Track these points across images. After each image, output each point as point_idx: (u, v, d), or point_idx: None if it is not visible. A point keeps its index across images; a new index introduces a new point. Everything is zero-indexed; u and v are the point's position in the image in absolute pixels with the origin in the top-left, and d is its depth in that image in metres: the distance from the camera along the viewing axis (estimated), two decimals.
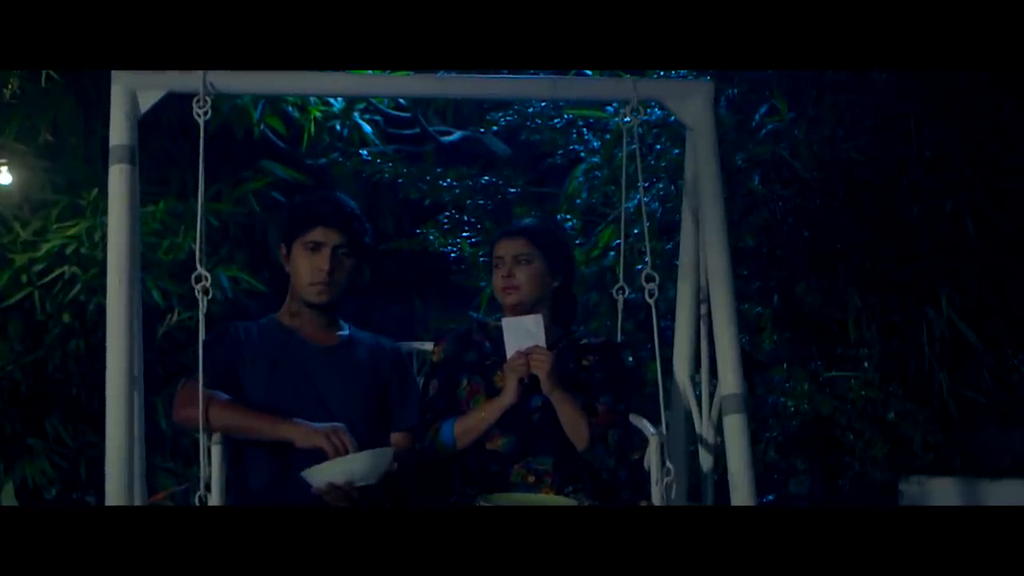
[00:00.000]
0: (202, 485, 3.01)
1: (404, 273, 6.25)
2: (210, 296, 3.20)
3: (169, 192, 5.60)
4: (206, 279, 3.11)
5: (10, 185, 5.53)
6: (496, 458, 3.30)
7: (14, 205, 5.59)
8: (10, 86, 5.28)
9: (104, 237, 5.19)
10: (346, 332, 3.41)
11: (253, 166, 5.84)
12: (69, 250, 5.34)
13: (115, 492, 2.89)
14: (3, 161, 5.48)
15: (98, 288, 5.18)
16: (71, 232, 5.37)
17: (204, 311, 3.16)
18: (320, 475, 3.01)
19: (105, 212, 5.25)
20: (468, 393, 3.37)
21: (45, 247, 5.41)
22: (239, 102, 5.47)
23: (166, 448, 5.41)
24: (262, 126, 5.60)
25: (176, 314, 5.35)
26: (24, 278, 5.41)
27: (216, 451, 3.09)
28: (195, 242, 5.28)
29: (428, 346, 3.53)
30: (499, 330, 3.32)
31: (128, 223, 3.09)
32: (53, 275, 5.35)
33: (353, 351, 3.37)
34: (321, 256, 3.26)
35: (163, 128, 5.46)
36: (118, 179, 3.09)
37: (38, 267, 5.39)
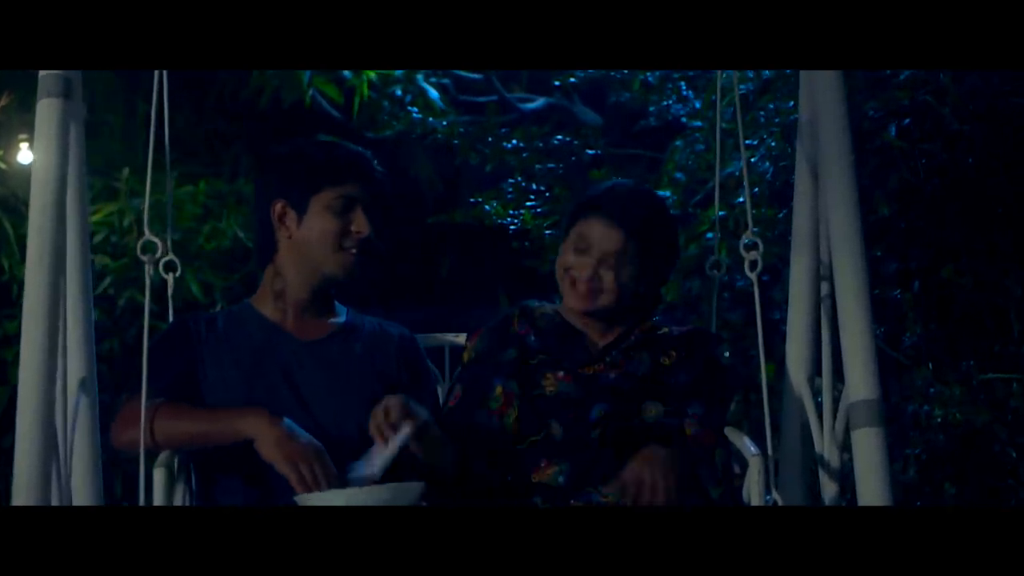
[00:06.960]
0: None
1: (484, 264, 6.03)
2: (178, 273, 2.65)
3: (220, 173, 5.60)
4: (159, 250, 2.50)
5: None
6: (546, 492, 2.58)
7: None
8: None
9: (135, 222, 5.00)
10: (342, 318, 2.78)
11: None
12: (98, 238, 5.24)
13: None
14: (23, 137, 5.20)
15: (130, 281, 5.16)
16: (97, 218, 5.25)
17: (170, 292, 2.66)
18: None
19: (137, 194, 5.10)
20: (501, 404, 2.66)
21: None
22: None
23: None
24: (311, 91, 5.41)
25: (219, 309, 5.02)
26: None
27: (160, 476, 2.47)
28: (241, 229, 5.23)
29: (463, 339, 2.88)
30: (549, 318, 2.70)
31: (57, 174, 2.47)
32: None
33: (348, 343, 2.73)
34: (356, 216, 2.66)
35: (216, 108, 5.56)
36: (46, 116, 2.50)
37: None
